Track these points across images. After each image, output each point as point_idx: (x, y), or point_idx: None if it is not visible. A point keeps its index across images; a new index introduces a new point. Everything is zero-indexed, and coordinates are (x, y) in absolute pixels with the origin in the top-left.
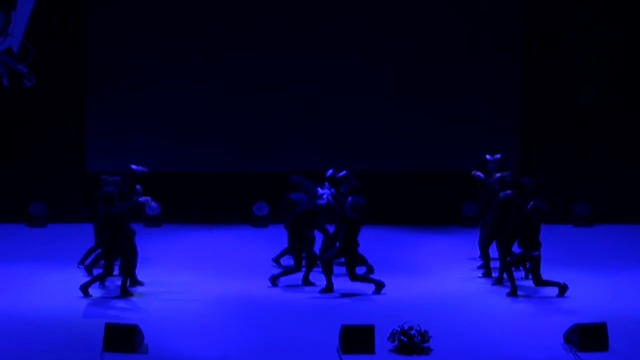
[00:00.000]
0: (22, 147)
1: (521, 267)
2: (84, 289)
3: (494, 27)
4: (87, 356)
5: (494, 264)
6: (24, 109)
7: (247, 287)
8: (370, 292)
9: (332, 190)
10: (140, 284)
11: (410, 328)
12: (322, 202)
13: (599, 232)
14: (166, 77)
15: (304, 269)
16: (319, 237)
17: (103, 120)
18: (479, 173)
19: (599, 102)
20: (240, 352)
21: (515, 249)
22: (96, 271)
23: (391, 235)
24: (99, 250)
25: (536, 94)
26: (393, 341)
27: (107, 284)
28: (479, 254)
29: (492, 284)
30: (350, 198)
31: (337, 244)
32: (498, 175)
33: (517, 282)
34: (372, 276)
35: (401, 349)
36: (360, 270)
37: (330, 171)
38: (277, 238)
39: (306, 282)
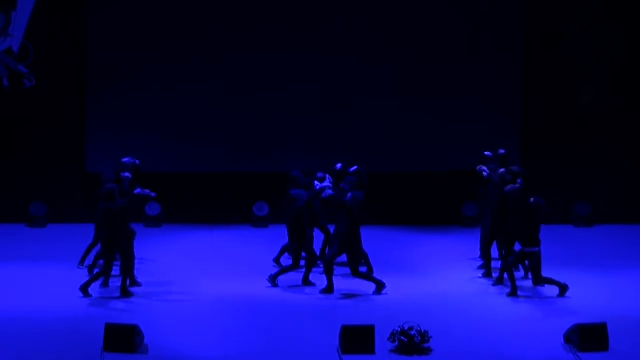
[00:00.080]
0: (22, 147)
1: (520, 267)
2: (84, 288)
3: (494, 27)
4: (87, 356)
5: (495, 264)
6: (24, 109)
7: (247, 287)
8: (370, 292)
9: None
10: (138, 284)
11: (410, 328)
12: (324, 194)
13: (599, 232)
14: (166, 77)
15: (303, 268)
16: (319, 237)
17: (103, 120)
18: (484, 167)
19: (599, 102)
20: (240, 352)
21: (516, 248)
22: (96, 271)
23: (391, 235)
24: (98, 248)
25: (536, 94)
26: (393, 341)
27: (110, 283)
28: (479, 254)
29: (493, 284)
30: (349, 194)
31: (337, 242)
32: (502, 170)
33: (517, 282)
34: (373, 276)
35: (401, 349)
36: (361, 269)
37: (339, 165)
38: (277, 238)
39: (306, 282)
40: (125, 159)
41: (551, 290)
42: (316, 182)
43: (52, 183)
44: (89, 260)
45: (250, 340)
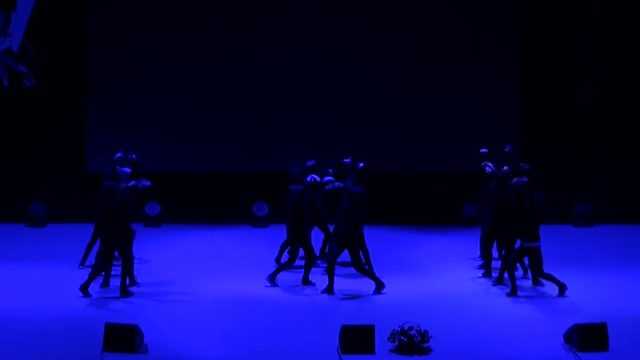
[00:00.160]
0: (22, 147)
1: (519, 266)
2: (84, 288)
3: (494, 27)
4: (87, 356)
5: (495, 264)
6: (24, 109)
7: (247, 287)
8: (371, 292)
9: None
10: (137, 284)
11: (410, 328)
12: (328, 187)
13: (599, 232)
14: (166, 77)
15: (302, 268)
16: (319, 237)
17: (103, 120)
18: (489, 164)
19: (599, 102)
20: (240, 352)
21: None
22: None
23: (391, 235)
24: (97, 247)
25: (536, 94)
26: (393, 341)
27: (110, 283)
28: (479, 254)
29: (493, 284)
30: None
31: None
32: (506, 168)
33: (517, 282)
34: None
35: (401, 349)
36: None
37: (349, 159)
38: (277, 238)
39: (306, 282)
40: (118, 154)
41: (551, 290)
42: (316, 176)
43: (52, 183)
44: (90, 260)
45: (250, 340)
